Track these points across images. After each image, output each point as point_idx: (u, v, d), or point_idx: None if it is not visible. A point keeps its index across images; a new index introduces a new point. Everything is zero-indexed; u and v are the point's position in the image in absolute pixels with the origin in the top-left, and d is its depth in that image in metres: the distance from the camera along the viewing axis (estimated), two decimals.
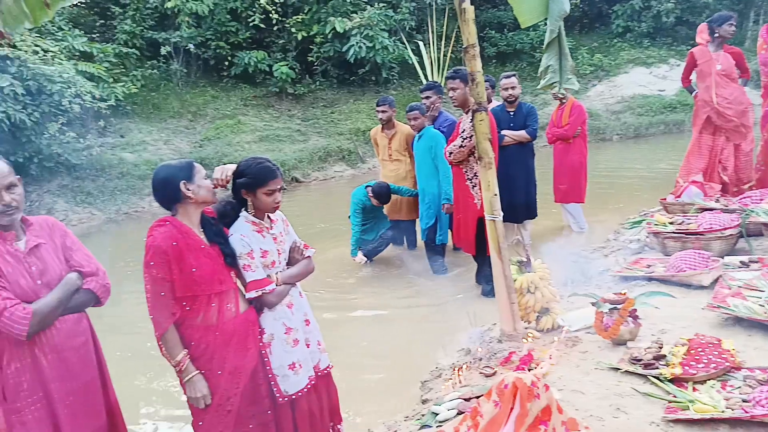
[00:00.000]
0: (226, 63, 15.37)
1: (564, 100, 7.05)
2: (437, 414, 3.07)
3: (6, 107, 9.91)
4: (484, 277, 5.44)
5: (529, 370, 3.35)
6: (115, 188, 11.31)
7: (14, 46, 10.68)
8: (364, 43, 14.80)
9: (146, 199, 11.43)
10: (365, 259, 6.56)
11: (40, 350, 2.40)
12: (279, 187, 2.90)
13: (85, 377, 2.53)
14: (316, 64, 15.88)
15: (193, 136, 13.79)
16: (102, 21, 14.94)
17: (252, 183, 2.87)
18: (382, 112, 6.68)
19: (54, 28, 12.55)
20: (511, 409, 2.39)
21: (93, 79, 11.95)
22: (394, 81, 16.28)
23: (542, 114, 12.19)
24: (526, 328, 3.95)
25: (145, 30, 14.66)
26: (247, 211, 2.97)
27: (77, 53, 12.58)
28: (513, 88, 6.43)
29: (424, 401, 3.60)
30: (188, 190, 2.66)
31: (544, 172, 7.33)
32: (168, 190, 2.67)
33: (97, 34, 14.46)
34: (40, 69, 10.59)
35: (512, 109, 6.49)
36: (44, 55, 11.17)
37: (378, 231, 6.69)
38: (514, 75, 6.59)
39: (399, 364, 4.46)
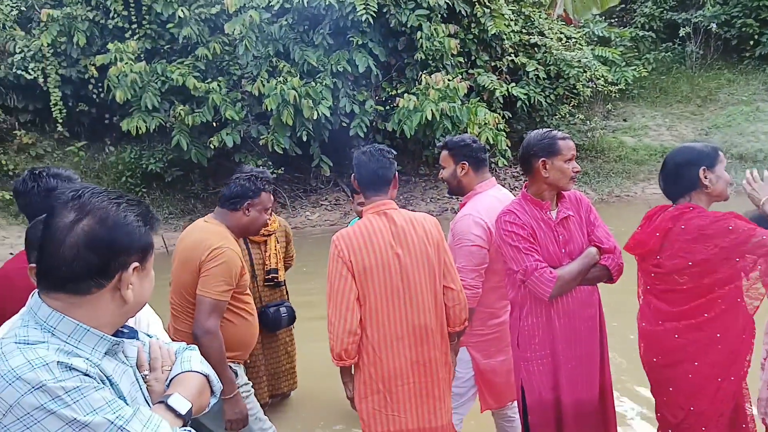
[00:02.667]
0: (751, 42, 13.55)
1: None
2: None
3: (529, 89, 11.25)
4: None
5: None
6: (610, 171, 11.55)
7: (543, 34, 11.94)
8: None
9: (640, 184, 11.30)
10: None
11: (556, 312, 2.61)
12: None
13: (588, 347, 2.65)
14: None
15: (699, 122, 12.80)
16: (623, 5, 15.18)
17: None
18: None
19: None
20: None
21: (606, 64, 12.35)
22: None
23: None
24: None
25: (665, 12, 14.22)
26: None
27: (596, 38, 13.19)
28: None
29: None
30: (706, 178, 2.41)
31: None
32: (684, 174, 2.45)
33: (616, 19, 14.79)
34: (561, 55, 11.57)
35: None
36: (566, 42, 12.13)
37: None
38: None
39: None
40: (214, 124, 9.79)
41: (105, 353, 1.19)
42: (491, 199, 2.91)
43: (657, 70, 13.88)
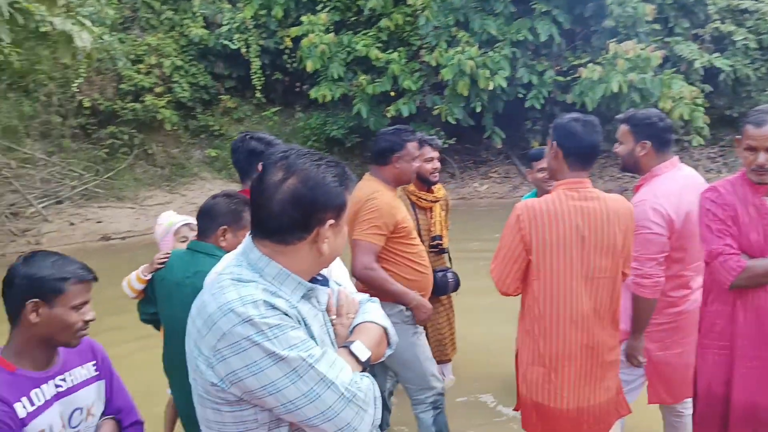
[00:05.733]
0: None
1: None
2: None
3: (735, 61, 10.00)
4: None
5: None
6: None
7: None
8: None
9: None
10: None
11: (742, 304, 2.40)
12: None
13: None
14: None
15: None
16: None
17: None
18: None
19: None
20: None
21: None
22: None
23: None
24: None
25: None
26: None
27: None
28: None
29: None
30: None
31: None
32: None
33: None
34: None
35: None
36: None
37: None
38: None
39: None
40: (392, 93, 10.12)
41: (301, 297, 1.34)
42: (671, 182, 2.70)
43: None
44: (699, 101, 8.98)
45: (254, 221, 1.34)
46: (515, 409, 2.62)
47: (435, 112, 9.89)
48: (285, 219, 1.28)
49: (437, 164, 3.58)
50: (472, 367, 4.28)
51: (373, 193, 2.87)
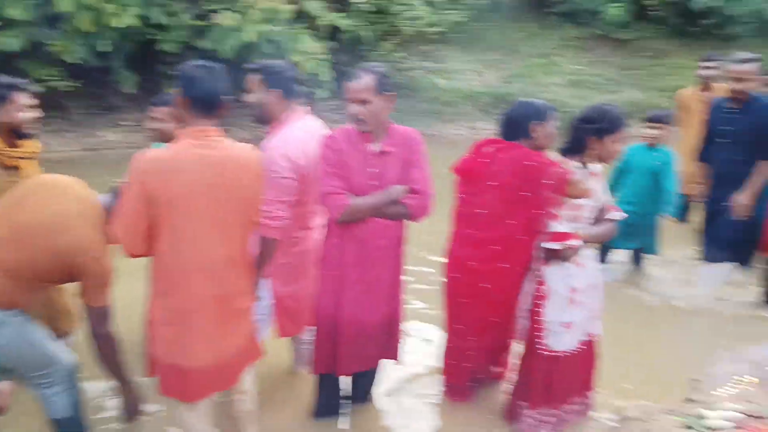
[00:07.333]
0: None
1: None
2: (705, 419, 2.79)
3: (356, 21, 11.20)
4: None
5: None
6: (422, 110, 12.17)
7: None
8: None
9: (447, 125, 12.09)
10: None
11: (348, 237, 2.79)
12: (623, 136, 2.91)
13: (377, 273, 2.86)
14: (651, 8, 14.39)
15: (503, 71, 13.89)
16: None
17: (605, 129, 2.86)
18: (710, 68, 5.80)
19: None
20: None
21: (433, 5, 12.63)
22: (743, 37, 13.86)
23: None
24: None
25: None
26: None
27: None
28: None
29: (688, 400, 3.32)
30: (534, 131, 2.89)
31: None
32: (518, 123, 2.95)
33: None
34: None
35: None
36: None
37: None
38: None
39: (665, 353, 4.13)
40: None
41: None
42: (298, 130, 2.92)
43: (475, 18, 14.63)
44: (324, 57, 9.83)
45: None
46: (148, 375, 2.50)
47: (53, 50, 8.57)
48: None
49: (34, 113, 3.07)
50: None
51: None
